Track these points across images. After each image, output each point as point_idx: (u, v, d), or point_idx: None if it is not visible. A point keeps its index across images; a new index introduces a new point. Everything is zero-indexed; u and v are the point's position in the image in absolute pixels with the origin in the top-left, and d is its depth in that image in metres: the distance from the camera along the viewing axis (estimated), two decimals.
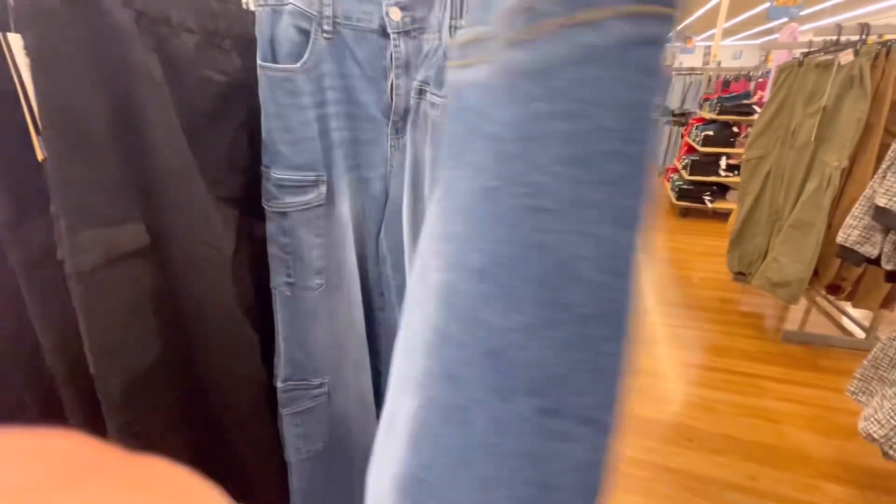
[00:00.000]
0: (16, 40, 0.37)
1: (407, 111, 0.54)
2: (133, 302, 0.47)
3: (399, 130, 0.55)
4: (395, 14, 0.50)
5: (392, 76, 0.53)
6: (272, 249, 0.60)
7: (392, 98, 0.54)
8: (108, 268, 0.44)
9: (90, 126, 0.41)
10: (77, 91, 0.40)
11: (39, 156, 0.40)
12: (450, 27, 0.48)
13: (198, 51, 0.52)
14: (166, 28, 0.48)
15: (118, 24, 0.42)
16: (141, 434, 0.49)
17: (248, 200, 0.63)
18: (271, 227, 0.58)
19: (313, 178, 0.55)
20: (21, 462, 0.11)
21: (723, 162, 3.99)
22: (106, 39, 0.41)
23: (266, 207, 0.57)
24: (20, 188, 0.45)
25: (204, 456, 0.57)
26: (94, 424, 0.54)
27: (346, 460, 0.67)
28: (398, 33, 0.51)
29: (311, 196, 0.56)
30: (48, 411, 0.57)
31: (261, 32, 0.50)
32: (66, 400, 0.53)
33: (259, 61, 0.50)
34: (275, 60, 0.51)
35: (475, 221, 0.19)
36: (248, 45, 0.59)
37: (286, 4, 0.49)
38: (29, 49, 0.38)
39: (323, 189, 0.56)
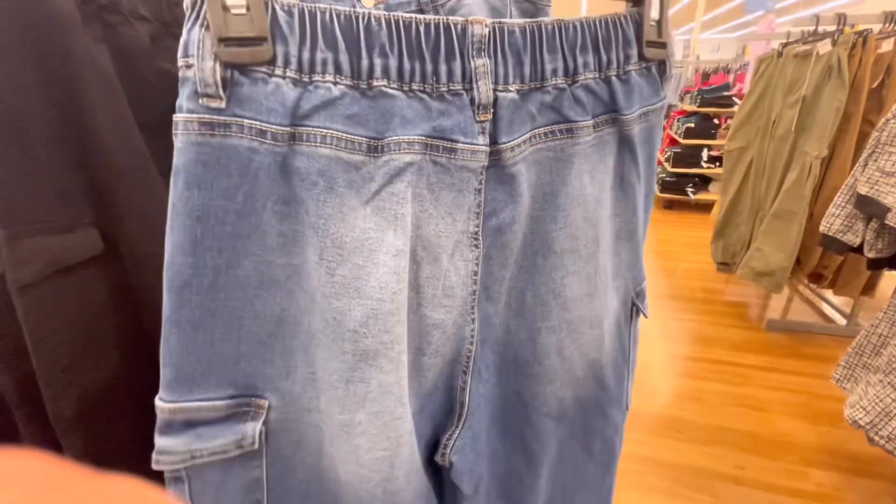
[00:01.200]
0: None
1: None
2: (86, 315, 0.43)
3: None
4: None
5: None
6: None
7: None
8: (55, 279, 0.40)
9: (28, 125, 0.38)
10: (13, 88, 0.36)
11: None
12: None
13: (153, 41, 0.49)
14: (116, 16, 0.44)
15: (59, 11, 0.38)
16: (98, 455, 0.46)
17: None
18: None
19: None
20: None
21: (704, 154, 4.04)
22: (45, 29, 0.38)
23: None
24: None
25: (162, 481, 0.54)
26: (52, 446, 0.50)
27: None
28: None
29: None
30: (3, 432, 0.53)
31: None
32: (21, 421, 0.49)
33: None
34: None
35: None
36: None
37: None
38: None
39: None
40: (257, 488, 0.33)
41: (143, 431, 0.52)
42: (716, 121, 4.06)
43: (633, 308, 0.49)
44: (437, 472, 0.43)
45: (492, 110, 0.35)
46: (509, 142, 0.36)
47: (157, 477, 0.53)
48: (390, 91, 0.32)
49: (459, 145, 0.35)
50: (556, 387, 0.44)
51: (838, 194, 1.26)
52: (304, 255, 0.32)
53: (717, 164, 3.87)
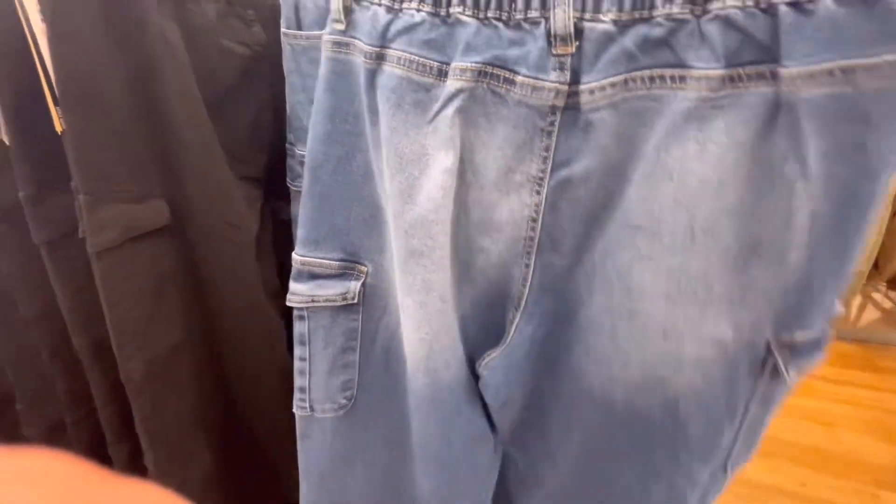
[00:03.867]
0: (31, 4, 0.35)
1: None
2: (155, 281, 0.45)
3: None
4: None
5: None
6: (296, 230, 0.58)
7: None
8: (128, 246, 0.42)
9: (108, 95, 0.39)
10: (94, 57, 0.38)
11: (58, 127, 0.38)
12: None
13: (219, 20, 0.50)
14: None
15: None
16: (163, 418, 0.48)
17: (272, 181, 0.61)
18: (296, 208, 0.56)
19: None
20: (13, 486, 0.12)
21: None
22: (122, 4, 0.39)
23: (291, 186, 0.54)
24: (41, 163, 0.44)
25: (223, 443, 0.56)
26: (119, 406, 0.53)
27: None
28: None
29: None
30: (75, 393, 0.56)
31: None
32: (93, 382, 0.52)
33: (283, 29, 0.47)
34: (299, 28, 0.47)
35: None
36: (271, 17, 0.57)
37: None
38: (45, 13, 0.36)
39: None
40: (353, 336, 0.42)
41: (204, 400, 0.54)
42: None
43: (766, 359, 0.34)
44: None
45: (574, 43, 0.30)
46: (591, 83, 0.31)
47: (214, 449, 0.55)
48: (464, 18, 0.33)
49: (519, 78, 0.32)
50: (603, 373, 0.38)
51: None
52: (381, 158, 0.37)
53: None
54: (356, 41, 0.35)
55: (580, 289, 0.37)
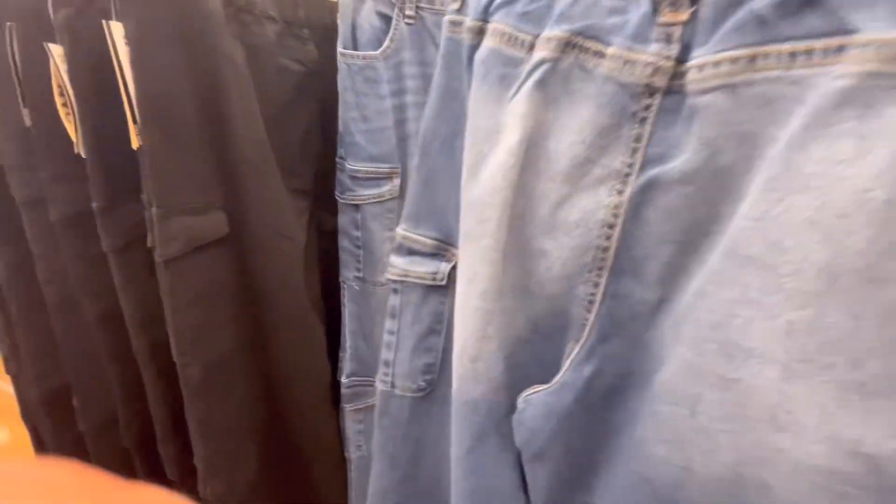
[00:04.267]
0: (117, 28, 0.38)
1: None
2: (213, 289, 0.47)
3: None
4: None
5: None
6: (343, 242, 0.59)
7: None
8: (192, 256, 0.44)
9: (183, 113, 0.42)
10: (172, 78, 0.41)
11: (135, 143, 0.41)
12: None
13: (278, 39, 0.52)
14: (250, 16, 0.48)
15: (209, 10, 0.42)
16: (216, 420, 0.50)
17: (318, 193, 0.63)
18: (343, 220, 0.57)
19: (387, 169, 0.53)
20: (21, 492, 0.12)
21: None
22: (198, 26, 0.41)
23: (339, 199, 0.56)
24: (114, 177, 0.46)
25: (268, 447, 0.57)
26: (171, 406, 0.56)
27: None
28: None
29: (384, 188, 0.54)
30: (129, 392, 0.59)
31: (343, 19, 0.49)
32: (147, 382, 0.55)
33: (340, 49, 0.49)
34: (355, 48, 0.49)
35: None
36: (324, 34, 0.59)
37: None
38: (129, 37, 0.38)
39: (396, 182, 0.54)
40: (439, 320, 0.41)
41: (251, 405, 0.56)
42: None
43: None
44: None
45: (687, 10, 0.25)
46: (702, 57, 0.24)
47: (259, 453, 0.57)
48: None
49: (610, 50, 0.27)
50: (676, 460, 0.27)
51: None
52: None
53: None
54: (466, 19, 0.34)
55: (662, 335, 0.28)
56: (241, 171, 0.47)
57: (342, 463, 0.68)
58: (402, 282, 0.41)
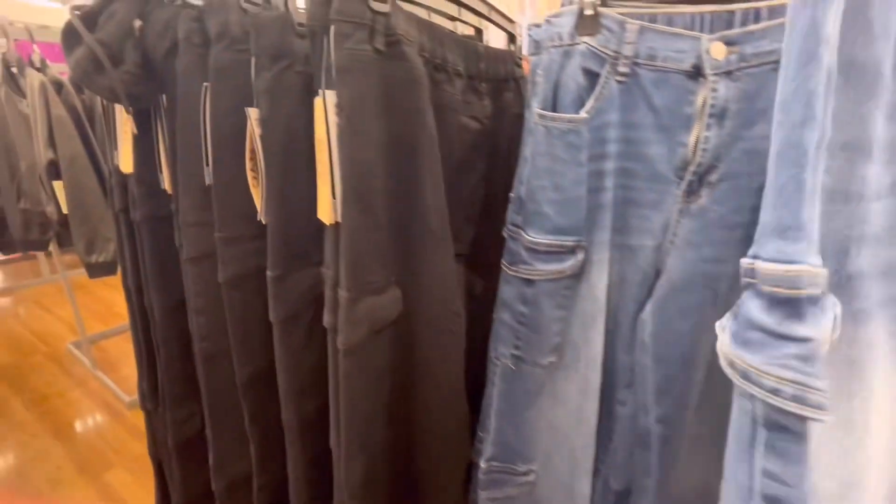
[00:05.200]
0: (330, 97, 0.34)
1: (711, 169, 0.42)
2: (384, 374, 0.42)
3: (693, 192, 0.44)
4: (719, 51, 0.40)
5: (700, 127, 0.42)
6: (502, 315, 0.52)
7: (695, 153, 0.43)
8: (370, 339, 0.40)
9: (383, 187, 0.38)
10: (376, 150, 0.37)
11: (329, 218, 0.37)
12: None
13: (462, 97, 0.48)
14: (443, 74, 0.44)
15: (418, 75, 0.38)
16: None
17: (470, 255, 0.57)
18: (508, 292, 0.51)
19: (572, 243, 0.46)
20: None
21: None
22: (405, 94, 0.37)
23: (509, 271, 0.50)
24: (292, 246, 0.43)
25: None
26: (311, 482, 0.51)
27: None
28: (718, 74, 0.40)
29: (566, 264, 0.47)
30: (265, 458, 0.56)
31: (545, 76, 0.43)
32: (291, 453, 0.51)
33: (537, 109, 0.43)
34: (555, 108, 0.43)
35: None
36: (496, 87, 0.54)
37: (578, 44, 0.41)
38: (340, 106, 0.34)
39: (581, 257, 0.46)
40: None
41: (407, 484, 0.50)
42: None
43: None
44: None
45: None
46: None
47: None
48: None
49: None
50: None
51: None
52: None
53: None
54: None
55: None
56: (423, 242, 0.43)
57: None
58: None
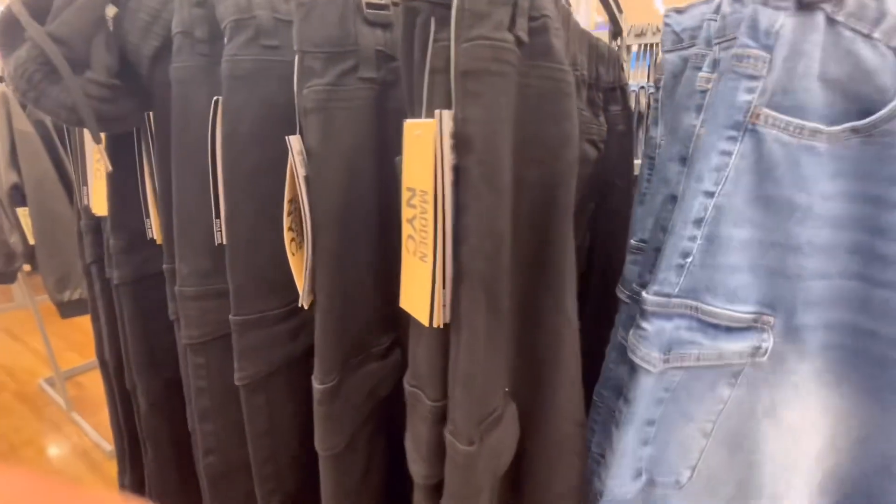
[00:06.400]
0: (447, 121, 0.20)
1: None
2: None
3: None
4: None
5: None
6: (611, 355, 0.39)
7: None
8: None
9: (508, 266, 0.23)
10: (509, 209, 0.22)
11: (439, 321, 0.22)
12: None
13: (584, 113, 0.34)
14: (597, 92, 0.30)
15: (565, 84, 0.23)
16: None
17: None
18: (624, 320, 0.37)
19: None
20: None
21: None
22: (548, 112, 0.23)
23: (621, 296, 0.36)
24: (349, 338, 0.29)
25: None
26: None
27: None
28: None
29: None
30: None
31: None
32: None
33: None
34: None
35: None
36: (606, 99, 0.40)
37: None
38: (467, 137, 0.20)
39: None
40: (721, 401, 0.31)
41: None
42: None
43: None
44: None
45: None
46: None
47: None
48: None
49: None
50: None
51: None
52: None
53: None
54: None
55: None
56: (558, 336, 0.28)
57: None
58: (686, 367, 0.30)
